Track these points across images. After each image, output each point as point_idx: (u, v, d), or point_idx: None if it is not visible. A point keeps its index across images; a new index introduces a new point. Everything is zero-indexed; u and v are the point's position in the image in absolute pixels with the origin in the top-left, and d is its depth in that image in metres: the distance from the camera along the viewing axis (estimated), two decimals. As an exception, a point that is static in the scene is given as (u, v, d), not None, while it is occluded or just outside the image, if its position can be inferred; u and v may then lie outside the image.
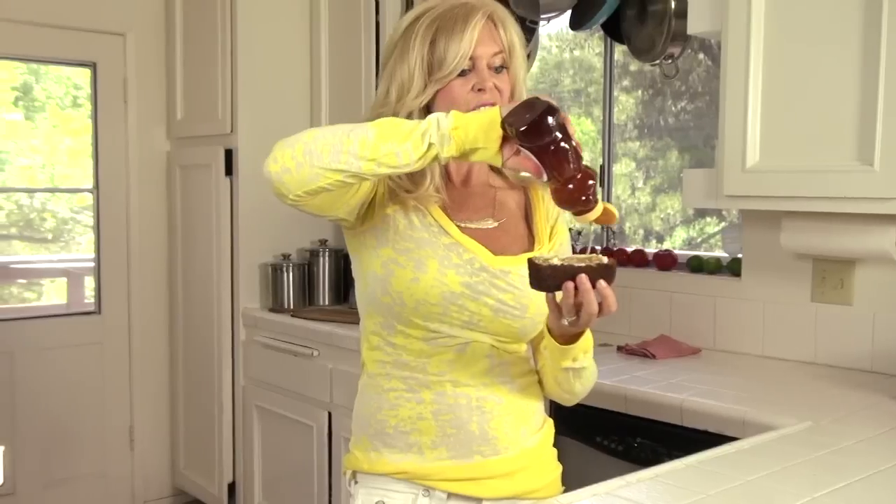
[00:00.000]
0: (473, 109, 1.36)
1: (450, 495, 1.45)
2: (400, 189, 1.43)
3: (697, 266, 2.72)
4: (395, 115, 1.39)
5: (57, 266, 4.05)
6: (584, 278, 1.23)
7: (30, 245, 3.96)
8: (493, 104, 1.37)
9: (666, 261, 2.79)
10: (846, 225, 2.11)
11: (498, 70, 1.43)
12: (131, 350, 3.89)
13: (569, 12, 2.83)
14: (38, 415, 3.66)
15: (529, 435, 1.49)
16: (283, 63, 3.57)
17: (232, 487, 3.61)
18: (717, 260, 2.70)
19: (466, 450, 1.43)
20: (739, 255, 2.59)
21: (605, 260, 1.24)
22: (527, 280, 1.35)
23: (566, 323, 1.29)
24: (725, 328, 2.57)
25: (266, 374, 3.39)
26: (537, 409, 1.52)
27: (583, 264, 1.23)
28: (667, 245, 3.21)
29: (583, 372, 1.43)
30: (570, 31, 3.11)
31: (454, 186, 1.49)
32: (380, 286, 1.43)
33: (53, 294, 4.16)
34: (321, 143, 1.28)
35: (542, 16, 2.85)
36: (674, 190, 3.22)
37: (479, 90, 1.40)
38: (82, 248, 3.99)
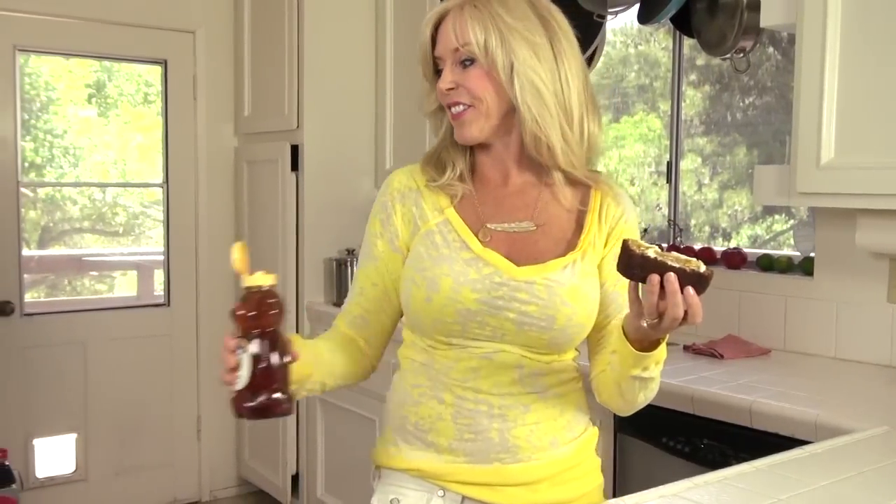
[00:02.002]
0: (453, 116, 1.41)
1: (464, 499, 1.40)
2: (430, 179, 1.46)
3: (768, 265, 2.66)
4: (425, 110, 1.48)
5: (128, 259, 4.15)
6: (672, 278, 1.16)
7: (102, 238, 4.06)
8: (457, 104, 1.39)
9: (735, 259, 2.74)
10: (925, 223, 2.05)
11: (466, 66, 1.38)
12: (199, 342, 3.97)
13: (637, 6, 2.78)
14: (109, 404, 3.75)
15: (561, 444, 1.41)
16: (349, 60, 3.60)
17: (295, 479, 3.66)
18: (789, 259, 2.64)
19: (484, 456, 1.38)
20: (812, 254, 2.53)
21: (702, 268, 1.17)
22: (553, 289, 1.34)
23: (645, 325, 1.21)
24: (796, 329, 2.51)
25: (329, 368, 3.42)
26: (574, 418, 1.45)
27: (677, 265, 1.17)
28: (733, 242, 3.15)
29: (650, 383, 1.34)
30: (635, 26, 3.07)
31: (491, 185, 1.46)
32: (404, 302, 1.44)
33: (124, 286, 4.26)
34: None
35: (610, 10, 2.81)
36: (741, 186, 3.15)
37: (445, 90, 1.41)
38: (152, 242, 4.08)
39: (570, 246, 1.41)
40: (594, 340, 1.45)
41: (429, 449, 1.41)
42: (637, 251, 1.17)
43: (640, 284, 1.20)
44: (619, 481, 2.23)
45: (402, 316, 1.49)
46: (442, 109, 1.45)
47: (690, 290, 1.17)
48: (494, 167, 1.46)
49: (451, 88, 1.38)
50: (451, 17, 1.38)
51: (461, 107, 1.39)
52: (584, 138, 1.41)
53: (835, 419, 1.77)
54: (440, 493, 1.41)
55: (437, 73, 1.42)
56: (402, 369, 1.50)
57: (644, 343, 1.26)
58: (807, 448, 1.52)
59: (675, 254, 1.19)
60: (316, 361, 1.37)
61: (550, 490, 1.40)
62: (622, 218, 1.45)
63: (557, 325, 1.36)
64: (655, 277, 1.16)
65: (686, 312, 1.17)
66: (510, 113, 1.39)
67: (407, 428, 1.44)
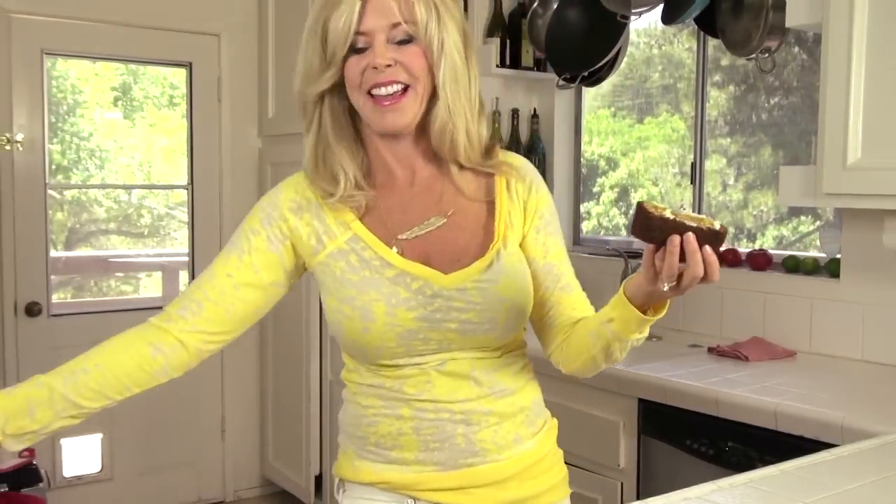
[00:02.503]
0: (370, 90, 1.28)
1: None
2: (325, 195, 1.34)
3: (793, 266, 2.64)
4: (301, 102, 1.37)
5: (153, 260, 4.18)
6: (692, 237, 1.16)
7: (127, 240, 4.10)
8: (393, 82, 1.27)
9: (760, 260, 2.72)
10: (954, 225, 2.02)
11: (402, 43, 1.28)
12: (223, 343, 3.99)
13: (661, 6, 2.77)
14: (133, 404, 3.72)
15: (525, 439, 1.38)
16: (372, 61, 3.60)
17: (319, 479, 3.67)
18: (815, 260, 2.61)
19: (453, 462, 1.34)
20: (838, 256, 2.51)
21: (716, 225, 1.17)
22: (486, 291, 1.31)
23: (664, 288, 1.17)
24: (822, 331, 2.49)
25: (353, 369, 3.43)
26: (533, 411, 1.41)
27: (694, 224, 1.16)
28: (758, 244, 3.13)
29: (629, 347, 1.33)
30: (659, 27, 3.06)
31: (396, 187, 1.37)
32: (336, 332, 1.36)
33: (150, 287, 4.30)
34: None
35: (634, 10, 2.80)
36: (766, 187, 3.13)
37: (374, 68, 1.27)
38: (177, 243, 4.11)
39: (488, 234, 1.36)
40: (540, 317, 1.41)
41: (395, 464, 1.36)
42: (655, 213, 1.16)
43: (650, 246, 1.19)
44: (643, 483, 2.23)
45: (249, 323, 1.41)
46: (324, 96, 1.34)
47: (708, 248, 1.17)
48: (400, 164, 1.37)
49: (390, 65, 1.27)
50: None
51: (397, 87, 1.28)
52: (480, 136, 1.37)
53: (861, 422, 1.76)
54: (411, 502, 1.37)
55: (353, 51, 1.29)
56: (349, 391, 1.43)
57: (646, 307, 1.25)
58: (833, 451, 1.51)
59: (687, 212, 1.19)
60: (40, 403, 1.27)
61: (519, 486, 1.37)
62: (532, 187, 1.41)
63: (501, 324, 1.33)
64: (676, 238, 1.15)
65: (705, 271, 1.16)
66: (431, 100, 1.32)
67: (368, 448, 1.39)
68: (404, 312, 1.29)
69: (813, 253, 2.79)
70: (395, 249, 1.32)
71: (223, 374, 4.00)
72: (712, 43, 3.02)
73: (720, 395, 2.02)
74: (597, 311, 1.36)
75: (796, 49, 2.95)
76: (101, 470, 3.75)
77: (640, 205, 1.17)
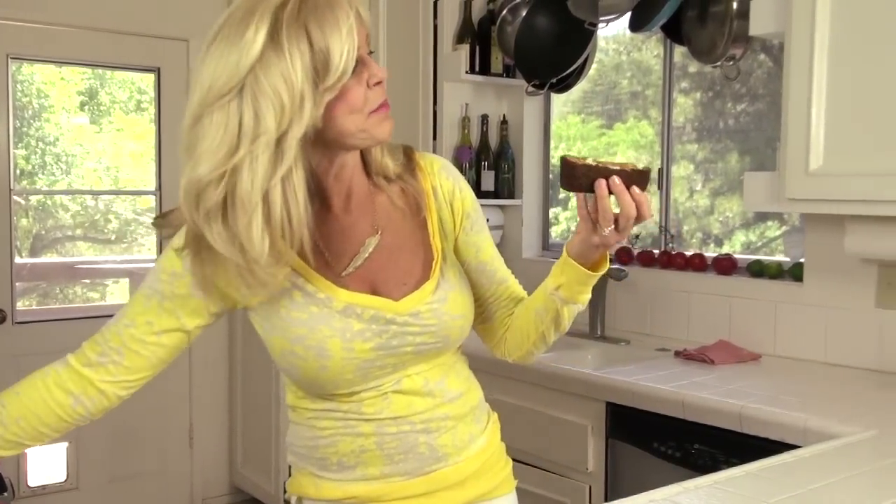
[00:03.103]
0: (378, 110, 1.20)
1: None
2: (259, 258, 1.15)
3: (758, 271, 2.67)
4: (280, 144, 1.11)
5: (120, 267, 4.14)
6: (617, 179, 1.21)
7: (94, 246, 4.06)
8: (387, 100, 1.21)
9: (725, 265, 2.75)
10: (913, 229, 2.06)
11: (371, 56, 1.21)
12: (191, 349, 3.96)
13: (628, 14, 2.80)
14: (101, 412, 3.74)
15: (477, 437, 1.39)
16: (341, 67, 3.61)
17: (288, 486, 3.66)
18: (779, 264, 2.65)
19: (418, 469, 1.33)
20: (801, 260, 2.54)
21: (639, 165, 1.23)
22: (439, 311, 1.30)
23: (605, 233, 1.22)
24: (786, 334, 2.52)
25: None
26: (479, 408, 1.41)
27: (617, 167, 1.22)
28: (726, 249, 3.16)
29: (576, 311, 1.36)
30: (628, 34, 3.09)
31: (333, 214, 1.29)
32: (287, 372, 1.31)
33: (116, 294, 4.25)
34: None
35: (601, 18, 2.83)
36: (733, 193, 3.17)
37: (377, 83, 1.19)
38: (145, 250, 4.08)
39: (427, 250, 1.34)
40: (479, 314, 1.42)
41: (360, 480, 1.33)
42: (578, 163, 1.21)
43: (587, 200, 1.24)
44: (611, 486, 2.24)
45: (170, 361, 1.33)
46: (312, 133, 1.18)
47: (636, 188, 1.22)
48: (340, 189, 1.29)
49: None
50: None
51: (388, 106, 1.23)
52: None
53: (823, 423, 1.78)
54: None
55: None
56: (298, 416, 1.37)
57: (589, 264, 1.30)
58: (796, 452, 1.53)
59: (608, 159, 1.27)
60: None
61: (476, 484, 1.38)
62: (455, 188, 1.39)
63: (453, 339, 1.34)
64: (602, 182, 1.21)
65: (638, 210, 1.21)
66: None
67: (329, 467, 1.34)
68: (360, 344, 1.25)
69: (778, 257, 2.83)
70: (336, 279, 1.27)
71: (191, 381, 3.97)
72: (679, 50, 3.06)
73: (686, 398, 2.04)
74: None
75: (762, 56, 2.99)
76: (67, 479, 3.71)
77: (563, 158, 1.23)
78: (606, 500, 2.20)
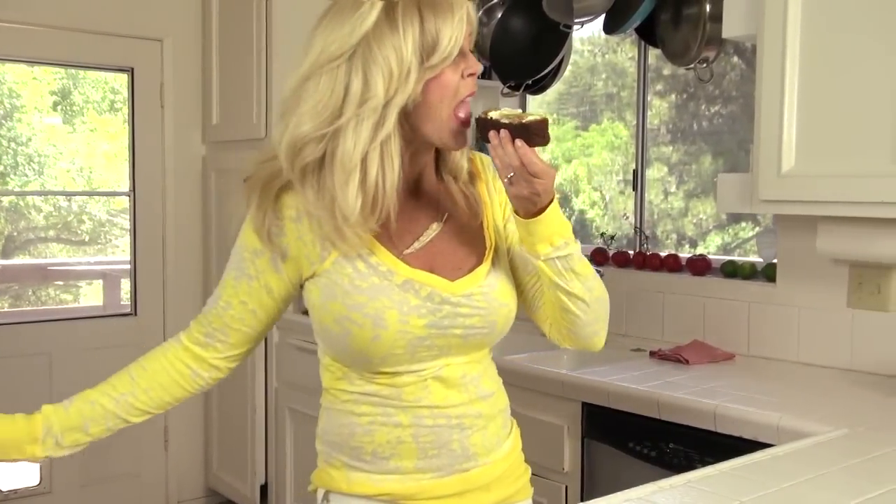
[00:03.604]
0: (466, 98, 1.28)
1: None
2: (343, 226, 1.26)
3: (731, 271, 2.70)
4: (384, 110, 1.22)
5: (94, 268, 4.11)
6: (502, 133, 1.24)
7: (67, 247, 4.02)
8: (473, 93, 1.29)
9: (699, 266, 2.78)
10: (884, 230, 2.09)
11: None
12: (166, 352, 3.93)
13: (603, 16, 2.82)
14: (74, 415, 3.70)
15: (503, 441, 1.43)
16: (317, 68, 3.60)
17: (264, 489, 3.64)
18: (752, 265, 2.68)
19: (449, 468, 1.36)
20: (774, 261, 2.57)
21: (526, 119, 1.25)
22: (490, 295, 1.36)
23: (506, 181, 1.26)
24: (760, 334, 2.55)
25: (299, 377, 3.41)
26: (505, 413, 1.46)
27: (507, 121, 1.25)
28: (700, 250, 3.19)
29: (571, 261, 1.31)
30: (603, 36, 3.11)
31: (401, 197, 1.33)
32: (338, 343, 1.33)
33: (90, 296, 4.22)
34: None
35: (576, 20, 2.84)
36: (707, 195, 3.20)
37: (470, 75, 1.28)
38: (119, 251, 4.05)
39: (480, 240, 1.40)
40: (529, 300, 1.45)
41: (393, 473, 1.36)
42: (483, 117, 1.26)
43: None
44: (587, 486, 2.25)
45: (268, 329, 1.42)
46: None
47: (519, 141, 1.23)
48: (413, 169, 1.36)
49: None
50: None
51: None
52: None
53: (796, 422, 1.80)
54: None
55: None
56: (335, 399, 1.40)
57: (527, 213, 1.29)
58: (769, 451, 1.55)
59: (514, 111, 1.27)
60: (94, 420, 1.44)
61: (500, 487, 1.41)
62: (498, 180, 1.45)
63: (498, 328, 1.38)
64: (491, 134, 1.24)
65: (522, 162, 1.23)
66: None
67: (363, 458, 1.37)
68: (415, 319, 1.30)
69: (751, 258, 2.85)
70: (400, 254, 1.33)
71: (166, 383, 3.94)
72: (654, 52, 3.08)
73: (661, 397, 2.06)
74: None
75: (735, 59, 3.02)
76: (40, 483, 3.67)
77: (477, 118, 1.27)
78: (582, 500, 2.21)
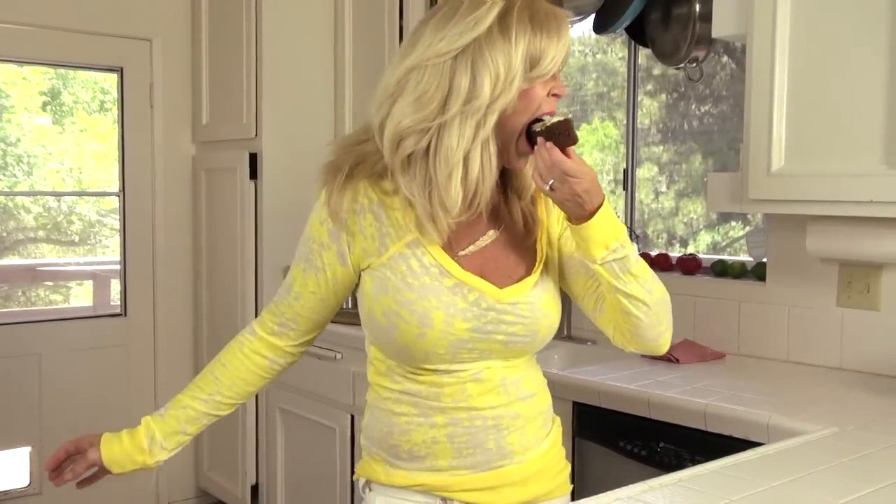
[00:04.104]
0: (544, 115, 1.32)
1: None
2: (438, 216, 1.32)
3: (722, 270, 2.70)
4: (487, 110, 1.27)
5: (83, 269, 4.09)
6: (539, 140, 1.29)
7: (57, 248, 4.01)
8: (553, 112, 1.34)
9: (690, 265, 2.78)
10: (873, 229, 2.10)
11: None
12: (156, 352, 3.93)
13: (593, 16, 2.82)
14: (64, 416, 3.69)
15: (542, 439, 1.48)
16: (308, 68, 3.60)
17: (255, 489, 3.63)
18: (742, 264, 2.68)
19: (484, 465, 1.42)
20: (764, 260, 2.58)
21: (551, 121, 1.30)
22: (535, 306, 1.40)
23: (547, 188, 1.30)
24: (750, 333, 2.56)
25: (289, 377, 3.39)
26: (548, 412, 1.52)
27: (539, 129, 1.30)
28: (690, 249, 3.20)
29: (628, 263, 1.33)
30: (594, 35, 3.11)
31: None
32: (384, 335, 1.39)
33: (80, 296, 4.20)
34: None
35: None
36: (697, 194, 3.20)
37: (554, 95, 1.34)
38: (108, 251, 4.03)
39: (532, 252, 1.44)
40: (591, 308, 1.47)
41: (428, 470, 1.42)
42: (530, 123, 1.31)
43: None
44: (578, 485, 2.25)
45: (334, 313, 1.52)
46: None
47: (547, 143, 1.28)
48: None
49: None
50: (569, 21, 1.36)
51: None
52: None
53: (786, 421, 1.81)
54: (442, 501, 1.43)
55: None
56: (378, 396, 1.47)
57: (576, 219, 1.33)
58: (759, 450, 1.55)
59: (560, 118, 1.31)
60: (189, 421, 1.55)
61: (538, 483, 1.46)
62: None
63: (539, 337, 1.43)
64: (538, 142, 1.30)
65: (552, 161, 1.27)
66: None
67: (400, 455, 1.44)
68: (460, 322, 1.35)
69: (742, 257, 2.86)
70: (454, 256, 1.38)
71: (156, 382, 3.93)
72: (644, 52, 3.08)
73: (652, 397, 2.06)
74: None
75: (725, 58, 3.03)
76: (30, 484, 3.65)
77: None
78: (573, 500, 2.21)
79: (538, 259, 1.44)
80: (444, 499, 1.43)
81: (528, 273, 1.42)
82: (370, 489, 1.49)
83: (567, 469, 1.55)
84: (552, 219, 1.48)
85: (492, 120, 1.28)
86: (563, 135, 1.27)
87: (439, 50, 1.28)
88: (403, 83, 1.31)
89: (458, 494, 1.42)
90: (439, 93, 1.28)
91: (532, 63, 1.29)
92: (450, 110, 1.27)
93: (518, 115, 1.31)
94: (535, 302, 1.40)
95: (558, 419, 1.56)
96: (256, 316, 3.56)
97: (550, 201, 1.43)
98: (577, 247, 1.37)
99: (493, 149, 1.31)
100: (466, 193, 1.31)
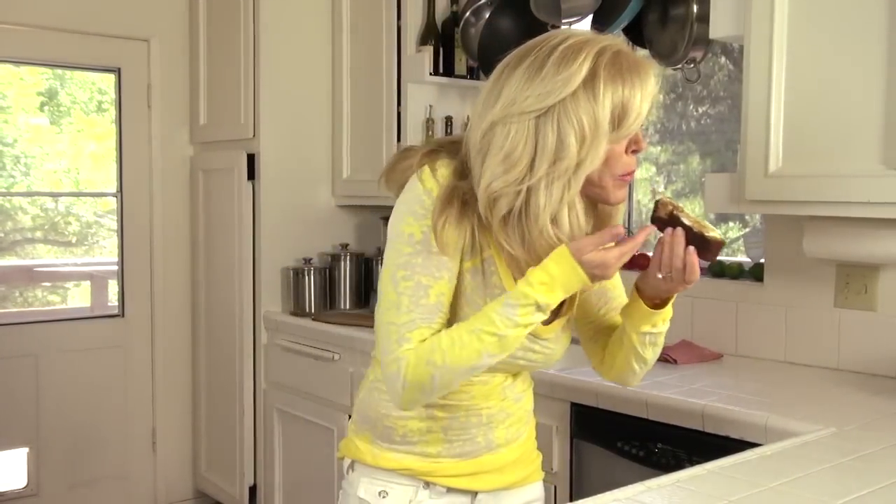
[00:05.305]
0: (624, 176, 1.30)
1: (448, 489, 1.51)
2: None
3: (719, 271, 2.70)
4: (576, 171, 1.25)
5: (81, 269, 4.09)
6: (679, 232, 1.33)
7: (54, 248, 4.00)
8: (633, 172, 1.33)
9: (687, 266, 2.78)
10: (870, 230, 2.10)
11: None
12: (154, 353, 3.92)
13: (591, 17, 2.82)
14: (61, 417, 3.69)
15: (522, 433, 1.57)
16: (305, 68, 3.59)
17: (253, 490, 3.63)
18: (739, 265, 2.68)
19: (469, 454, 1.50)
20: (762, 261, 2.58)
21: (709, 233, 1.34)
22: (560, 341, 1.48)
23: (659, 276, 1.35)
24: (747, 333, 2.56)
25: (287, 378, 3.40)
26: (531, 409, 1.61)
27: (688, 223, 1.34)
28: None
29: (658, 338, 1.45)
30: (592, 36, 3.11)
31: None
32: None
33: (77, 297, 4.20)
34: (452, 376, 1.31)
35: (564, 20, 2.84)
36: (695, 194, 3.20)
37: (634, 152, 1.31)
38: (106, 252, 4.02)
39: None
40: (588, 335, 1.57)
41: (416, 455, 1.48)
42: (666, 204, 1.36)
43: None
44: (576, 485, 2.25)
45: None
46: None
47: (691, 248, 1.34)
48: None
49: None
50: (655, 73, 1.32)
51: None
52: None
53: (784, 422, 1.81)
54: (425, 486, 1.49)
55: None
56: (381, 380, 1.48)
57: (654, 301, 1.41)
58: (757, 450, 1.55)
59: (697, 217, 1.37)
60: None
61: (514, 471, 1.55)
62: None
63: (548, 365, 1.52)
64: (669, 230, 1.35)
65: (684, 269, 1.33)
66: None
67: (393, 438, 1.49)
68: None
69: (739, 258, 2.86)
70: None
71: (154, 384, 3.93)
72: (641, 53, 3.09)
73: (650, 397, 2.06)
74: None
75: (722, 59, 3.03)
76: (27, 485, 3.65)
77: (657, 201, 1.38)
78: (571, 500, 2.21)
79: (572, 299, 1.48)
80: (426, 482, 1.49)
81: (563, 312, 1.47)
82: (353, 469, 1.53)
83: (539, 458, 1.64)
84: None
85: (580, 180, 1.27)
86: (711, 252, 1.36)
87: (525, 107, 1.25)
88: (490, 137, 1.28)
89: (441, 479, 1.49)
90: (527, 151, 1.25)
91: (618, 121, 1.25)
92: (536, 173, 1.25)
93: (600, 173, 1.29)
94: (562, 338, 1.49)
95: (531, 412, 1.63)
96: (255, 318, 3.56)
97: None
98: (626, 313, 1.44)
99: (579, 207, 1.31)
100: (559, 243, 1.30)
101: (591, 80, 1.24)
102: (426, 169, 1.34)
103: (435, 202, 1.31)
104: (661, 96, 3.25)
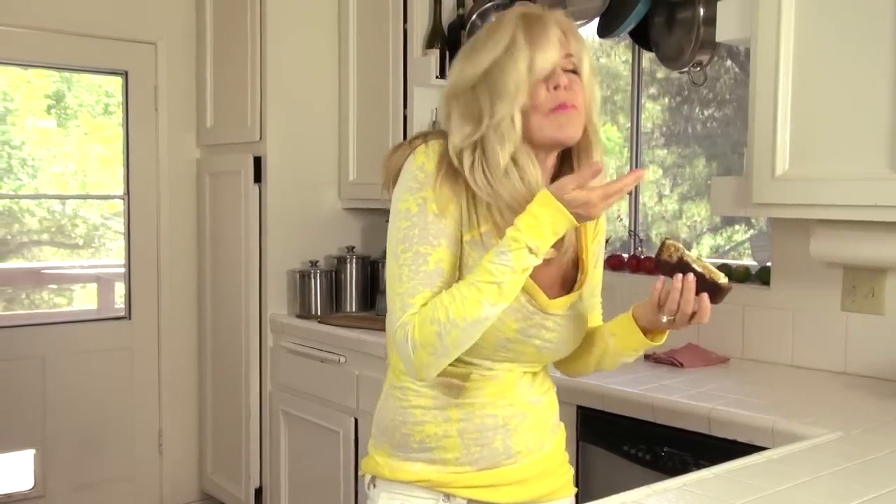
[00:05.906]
0: (553, 111, 1.39)
1: (469, 501, 1.50)
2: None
3: (725, 274, 2.69)
4: (512, 119, 1.39)
5: (88, 272, 4.10)
6: (691, 278, 1.38)
7: (61, 251, 4.01)
8: (571, 105, 1.39)
9: (694, 269, 2.77)
10: (877, 233, 2.09)
11: (569, 74, 1.42)
12: (160, 355, 3.93)
13: (597, 20, 2.82)
14: (68, 419, 3.70)
15: (546, 443, 1.55)
16: (312, 71, 3.60)
17: (259, 492, 3.63)
18: (746, 268, 2.68)
19: (488, 463, 1.48)
20: (768, 264, 2.57)
21: (721, 279, 1.39)
22: (573, 319, 1.49)
23: (663, 319, 1.41)
24: (754, 337, 2.55)
25: (293, 380, 3.40)
26: (554, 419, 1.59)
27: (699, 269, 1.38)
28: (694, 253, 3.19)
29: (643, 352, 1.54)
30: (597, 39, 3.11)
31: None
32: None
33: (84, 299, 4.21)
34: (458, 332, 1.34)
35: (570, 23, 2.84)
36: (701, 197, 3.20)
37: (555, 87, 1.39)
38: (113, 254, 4.04)
39: (576, 264, 1.53)
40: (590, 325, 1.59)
41: (435, 463, 1.48)
42: (674, 250, 1.40)
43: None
44: (582, 489, 2.24)
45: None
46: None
47: (704, 295, 1.39)
48: (546, 172, 1.48)
49: (568, 89, 1.41)
50: (560, 30, 1.42)
51: (571, 109, 1.41)
52: None
53: (791, 425, 1.80)
54: (445, 498, 1.49)
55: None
56: (397, 385, 1.52)
57: (648, 331, 1.48)
58: (764, 454, 1.55)
59: (704, 261, 1.41)
60: None
61: (538, 484, 1.53)
62: (601, 227, 1.61)
63: (565, 349, 1.52)
64: (680, 276, 1.39)
65: (695, 312, 1.40)
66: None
67: (410, 445, 1.49)
68: (510, 322, 1.42)
69: (745, 261, 2.86)
70: None
71: (160, 386, 3.93)
72: (647, 56, 3.08)
73: (656, 401, 2.06)
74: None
75: (729, 62, 3.03)
76: (34, 487, 3.66)
77: (664, 242, 1.42)
78: (577, 503, 2.21)
79: (581, 272, 1.52)
80: (446, 495, 1.48)
81: (571, 286, 1.51)
82: (374, 485, 1.55)
83: (570, 472, 1.62)
84: (589, 234, 1.56)
85: (518, 125, 1.38)
86: (720, 297, 1.41)
87: (468, 77, 1.43)
88: (448, 108, 1.46)
89: (461, 491, 1.48)
90: (475, 111, 1.41)
91: (533, 68, 1.39)
92: (483, 124, 1.40)
93: (531, 114, 1.39)
94: (575, 317, 1.50)
95: (563, 425, 1.63)
96: (260, 320, 3.57)
97: (589, 225, 1.54)
98: (621, 335, 1.51)
99: (526, 150, 1.41)
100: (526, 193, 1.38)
101: (511, 46, 1.39)
102: (420, 147, 1.45)
103: (433, 167, 1.43)
104: (668, 99, 3.25)
